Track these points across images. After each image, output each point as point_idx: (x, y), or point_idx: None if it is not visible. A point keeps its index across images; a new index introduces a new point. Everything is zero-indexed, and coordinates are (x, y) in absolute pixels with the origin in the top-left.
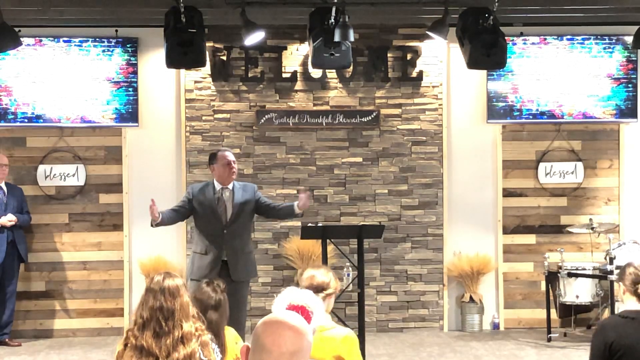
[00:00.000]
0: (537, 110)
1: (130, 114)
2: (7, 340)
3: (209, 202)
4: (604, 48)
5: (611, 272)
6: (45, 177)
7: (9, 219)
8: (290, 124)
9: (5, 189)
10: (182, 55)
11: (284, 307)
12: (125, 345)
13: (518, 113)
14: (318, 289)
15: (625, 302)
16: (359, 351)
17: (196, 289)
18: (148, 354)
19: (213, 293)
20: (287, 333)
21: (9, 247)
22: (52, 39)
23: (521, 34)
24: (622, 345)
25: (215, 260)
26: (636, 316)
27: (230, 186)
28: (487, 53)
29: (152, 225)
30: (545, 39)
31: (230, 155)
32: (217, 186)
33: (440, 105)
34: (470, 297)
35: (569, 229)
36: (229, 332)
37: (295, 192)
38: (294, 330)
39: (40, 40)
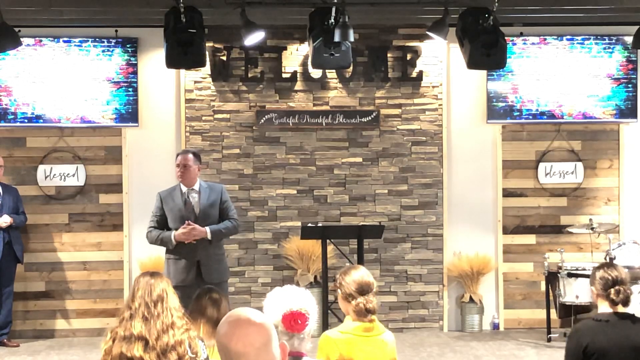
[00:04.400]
0: (537, 110)
1: (130, 114)
2: (5, 340)
3: (177, 206)
4: (604, 48)
5: None
6: (45, 177)
7: (5, 220)
8: (290, 124)
9: (0, 189)
10: (182, 55)
11: (283, 313)
12: (113, 339)
13: (518, 113)
14: (370, 287)
15: (599, 306)
16: None
17: (193, 303)
18: (137, 339)
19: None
20: (251, 329)
21: (6, 248)
22: (52, 39)
23: (521, 34)
24: (597, 348)
25: (189, 263)
26: (609, 319)
27: (196, 187)
28: (487, 53)
29: (171, 247)
30: (545, 39)
31: (179, 159)
32: (184, 188)
33: (440, 105)
34: (470, 297)
35: (569, 229)
36: None
37: (295, 192)
38: (255, 325)
39: (40, 40)
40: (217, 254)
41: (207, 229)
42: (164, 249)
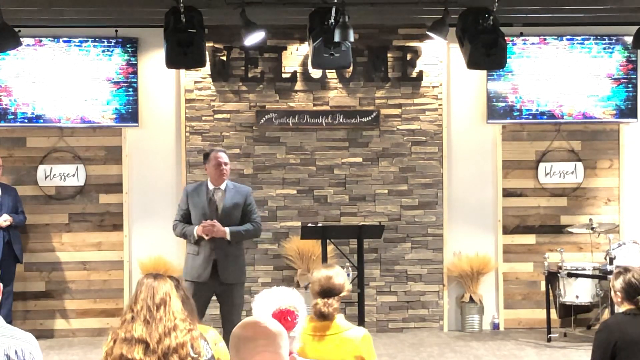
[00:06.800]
0: (537, 110)
1: (130, 114)
2: None
3: (201, 203)
4: (604, 48)
5: (611, 272)
6: (45, 177)
7: (5, 220)
8: (290, 124)
9: (0, 189)
10: (182, 55)
11: (272, 312)
12: (114, 340)
13: (518, 113)
14: (335, 291)
15: (624, 308)
16: (373, 348)
17: None
18: (138, 342)
19: None
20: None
21: (6, 248)
22: (52, 39)
23: (521, 34)
24: (627, 342)
25: (206, 260)
26: (638, 312)
27: (223, 186)
28: (487, 53)
29: (192, 242)
30: (545, 39)
31: (222, 157)
32: (210, 186)
33: (440, 105)
34: (470, 297)
35: (569, 229)
36: (210, 333)
37: (295, 192)
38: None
39: (40, 40)
40: (235, 255)
41: (227, 229)
42: (163, 249)
